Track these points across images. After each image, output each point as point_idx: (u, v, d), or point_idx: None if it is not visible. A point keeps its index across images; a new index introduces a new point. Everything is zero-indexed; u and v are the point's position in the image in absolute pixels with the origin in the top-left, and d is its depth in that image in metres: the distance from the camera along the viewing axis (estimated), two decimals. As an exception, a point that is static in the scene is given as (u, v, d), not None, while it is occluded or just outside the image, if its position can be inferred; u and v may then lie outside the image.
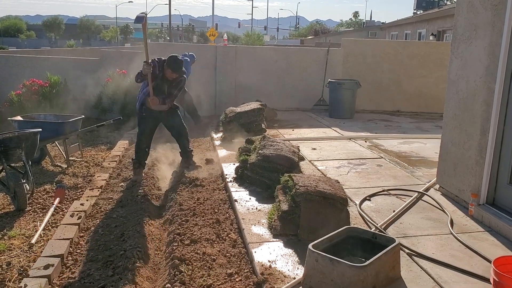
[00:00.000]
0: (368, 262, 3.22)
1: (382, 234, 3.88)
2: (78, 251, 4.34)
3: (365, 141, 8.22)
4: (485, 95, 4.58)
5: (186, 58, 9.46)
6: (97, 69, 10.73)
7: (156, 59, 6.09)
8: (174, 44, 14.71)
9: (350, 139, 8.42)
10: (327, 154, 7.26)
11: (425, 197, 5.26)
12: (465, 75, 4.92)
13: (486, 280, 3.42)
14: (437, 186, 5.56)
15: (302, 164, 6.37)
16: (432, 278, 3.53)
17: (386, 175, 6.11)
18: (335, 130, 9.24)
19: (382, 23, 43.33)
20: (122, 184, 6.22)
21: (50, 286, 3.67)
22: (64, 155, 7.19)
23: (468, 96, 4.88)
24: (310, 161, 6.80)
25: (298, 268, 3.73)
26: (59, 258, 3.98)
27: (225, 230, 4.63)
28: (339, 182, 4.88)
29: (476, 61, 4.72)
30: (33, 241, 4.38)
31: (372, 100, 12.00)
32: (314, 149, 7.56)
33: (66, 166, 7.04)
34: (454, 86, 5.16)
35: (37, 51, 15.37)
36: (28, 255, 4.16)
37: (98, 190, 5.89)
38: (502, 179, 4.53)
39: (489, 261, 3.61)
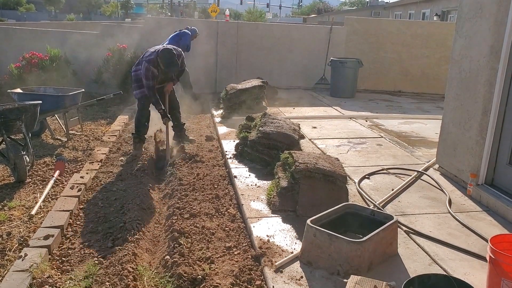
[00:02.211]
0: (365, 238, 3.25)
1: (380, 211, 3.91)
2: (78, 222, 4.37)
3: (366, 121, 8.21)
4: (488, 75, 4.55)
5: (188, 32, 9.35)
6: (97, 43, 10.63)
7: (150, 65, 5.96)
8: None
9: (350, 118, 8.40)
10: (327, 132, 7.26)
11: (424, 177, 5.27)
12: (469, 54, 4.88)
13: (482, 258, 3.46)
14: (436, 166, 5.57)
15: (302, 142, 6.37)
16: (429, 255, 3.57)
17: (385, 154, 6.11)
18: (336, 109, 9.22)
19: (386, 2, 42.82)
20: (122, 158, 6.22)
21: (50, 256, 3.71)
22: (64, 128, 7.17)
23: (471, 76, 4.85)
24: (310, 139, 6.80)
25: (296, 243, 3.76)
26: (59, 229, 4.00)
27: (224, 205, 4.66)
28: (338, 160, 4.88)
29: (481, 40, 4.67)
30: (33, 212, 4.40)
31: (373, 80, 11.94)
32: (315, 127, 7.55)
33: (66, 139, 7.03)
34: (457, 66, 5.12)
35: (36, 24, 15.20)
36: (28, 225, 4.19)
37: (98, 164, 5.90)
38: (501, 159, 4.53)
39: (486, 240, 3.64)
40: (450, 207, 4.43)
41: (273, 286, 3.19)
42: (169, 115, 6.37)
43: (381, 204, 4.45)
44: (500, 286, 2.72)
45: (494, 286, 2.77)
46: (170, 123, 6.77)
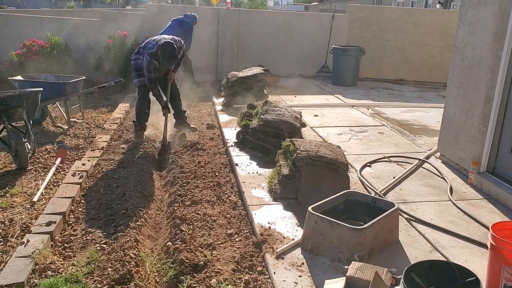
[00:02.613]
0: (367, 225, 3.25)
1: (382, 198, 3.91)
2: (80, 209, 4.39)
3: (368, 109, 8.19)
4: (491, 63, 4.52)
5: (188, 21, 9.29)
6: (98, 31, 10.58)
7: (152, 58, 5.93)
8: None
9: (352, 106, 8.38)
10: (329, 121, 7.24)
11: (425, 165, 5.27)
12: (472, 42, 4.85)
13: (483, 245, 3.47)
14: (438, 154, 5.57)
15: (304, 131, 6.36)
16: (430, 243, 3.58)
17: (387, 143, 6.11)
18: (337, 97, 9.19)
19: (389, -10, 42.40)
20: (123, 146, 6.22)
21: (52, 242, 3.72)
22: (65, 116, 7.17)
23: (473, 63, 4.82)
24: (311, 127, 6.79)
25: (297, 230, 3.77)
26: (61, 216, 4.02)
27: (225, 192, 4.67)
28: (340, 148, 4.88)
29: (484, 27, 4.63)
30: (35, 199, 4.41)
31: (375, 68, 11.88)
32: (316, 115, 7.53)
33: (67, 127, 7.03)
34: (459, 54, 5.09)
35: (37, 11, 15.10)
36: (30, 212, 4.20)
37: (100, 151, 5.90)
38: (503, 147, 4.52)
39: (487, 228, 3.65)
40: (451, 195, 4.43)
41: (274, 272, 3.20)
42: (169, 106, 6.35)
43: (382, 192, 4.45)
44: (501, 273, 2.73)
45: (495, 272, 2.78)
46: (171, 112, 6.76)
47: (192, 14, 9.62)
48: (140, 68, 6.05)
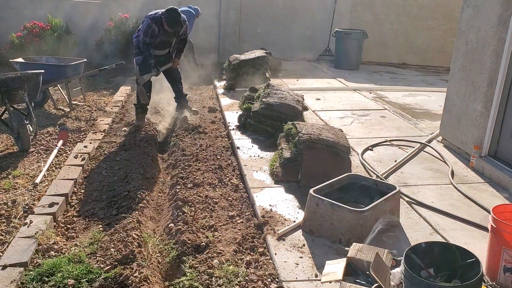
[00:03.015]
0: (368, 207, 3.27)
1: (383, 181, 3.92)
2: (82, 191, 4.41)
3: (370, 93, 8.15)
4: (495, 46, 4.48)
5: (191, 10, 9.19)
6: (98, 12, 10.49)
7: (153, 22, 5.85)
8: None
9: (354, 90, 8.35)
10: (331, 104, 7.22)
11: (427, 148, 5.27)
12: (476, 25, 4.80)
13: (483, 228, 3.49)
14: (439, 138, 5.56)
15: (306, 114, 6.35)
16: (430, 225, 3.60)
17: (389, 126, 6.10)
18: (340, 81, 9.15)
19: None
20: (125, 128, 6.22)
21: (55, 223, 3.75)
22: (67, 98, 7.15)
23: (477, 46, 4.78)
24: (313, 111, 6.77)
25: (298, 212, 3.79)
26: (64, 197, 4.04)
27: (227, 175, 4.68)
28: (342, 131, 4.87)
29: (489, 10, 4.58)
30: (37, 180, 4.43)
31: (378, 52, 11.80)
32: (318, 99, 7.51)
33: (68, 109, 7.02)
34: (463, 37, 5.05)
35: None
36: (32, 194, 4.22)
37: (101, 134, 5.91)
38: (505, 131, 4.51)
39: (487, 211, 3.66)
40: (452, 178, 4.44)
41: (275, 253, 3.23)
42: (159, 68, 6.25)
43: (384, 175, 4.46)
44: (501, 255, 2.75)
45: (495, 254, 2.80)
46: (172, 94, 6.75)
47: (195, 7, 9.49)
48: (140, 45, 6.02)
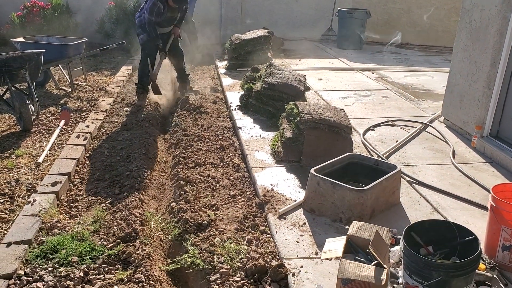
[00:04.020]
0: (368, 186, 3.28)
1: (384, 161, 3.92)
2: (85, 170, 4.43)
3: (372, 73, 8.11)
4: (499, 25, 4.44)
5: None
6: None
7: (158, 1, 5.77)
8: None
9: (357, 70, 8.30)
10: (333, 84, 7.19)
11: (429, 129, 5.26)
12: (480, 3, 4.74)
13: (483, 207, 3.51)
14: (441, 118, 5.55)
15: (308, 94, 6.33)
16: (431, 205, 3.62)
17: (391, 107, 6.08)
18: (342, 61, 9.08)
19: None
20: (126, 108, 6.22)
21: (58, 202, 3.78)
22: (68, 78, 7.14)
23: (481, 26, 4.73)
24: (315, 91, 6.75)
25: (299, 192, 3.81)
26: (66, 176, 4.07)
27: (228, 155, 4.69)
28: (344, 111, 4.86)
29: (493, -12, 4.52)
30: (40, 160, 4.46)
31: (381, 32, 11.67)
32: (320, 79, 7.47)
33: (70, 89, 7.02)
34: (467, 16, 4.99)
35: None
36: (35, 173, 4.25)
37: (103, 114, 5.91)
38: (508, 111, 4.50)
39: (488, 190, 3.67)
40: (453, 158, 4.44)
41: (276, 232, 3.26)
42: (167, 51, 6.28)
43: (385, 155, 4.47)
44: (500, 233, 2.77)
45: (494, 233, 2.82)
46: (174, 74, 6.73)
47: None
48: (143, 25, 5.99)
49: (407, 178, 4.03)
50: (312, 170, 3.51)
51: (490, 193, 2.87)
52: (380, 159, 4.11)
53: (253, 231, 3.34)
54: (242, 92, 6.29)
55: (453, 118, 5.25)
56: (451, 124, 5.30)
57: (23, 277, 2.81)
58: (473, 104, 4.84)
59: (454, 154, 4.55)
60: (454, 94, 5.22)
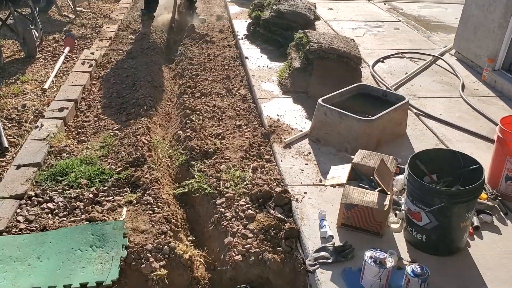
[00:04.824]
0: (376, 116, 3.27)
1: (392, 92, 3.88)
2: (91, 97, 4.42)
3: (384, 4, 7.83)
4: (521, -49, 4.21)
5: None
6: None
7: None
8: None
9: (368, 0, 8.00)
10: (343, 14, 6.97)
11: (439, 62, 5.16)
12: None
13: (489, 140, 3.50)
14: (453, 51, 5.41)
15: (317, 24, 6.15)
16: (437, 136, 3.62)
17: (402, 39, 5.92)
18: (353, -9, 8.73)
19: None
20: (131, 36, 6.09)
21: (65, 128, 3.81)
22: (71, 5, 6.94)
23: (502, -48, 4.49)
24: (325, 21, 6.56)
25: (305, 123, 3.81)
26: (73, 103, 4.07)
27: (235, 86, 4.65)
28: (354, 41, 4.74)
29: None
30: (45, 86, 4.43)
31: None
32: (331, 9, 7.24)
33: (73, 16, 6.84)
34: None
35: None
36: (42, 99, 4.25)
37: (107, 41, 5.80)
38: (523, 44, 4.38)
39: (495, 123, 3.66)
40: (462, 91, 4.39)
41: (281, 160, 3.29)
42: None
43: (393, 87, 4.41)
44: (504, 164, 2.78)
45: (498, 164, 2.84)
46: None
47: None
48: None
49: (415, 110, 4.00)
50: (319, 100, 3.48)
51: (497, 125, 2.85)
52: (388, 90, 4.06)
53: (258, 160, 3.38)
54: (249, 21, 6.12)
55: (465, 51, 5.13)
56: (462, 57, 5.18)
57: (33, 197, 2.89)
58: (487, 36, 4.70)
59: (463, 87, 4.49)
60: (468, 26, 5.06)
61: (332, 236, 2.52)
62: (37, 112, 3.97)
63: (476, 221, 2.60)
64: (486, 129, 3.71)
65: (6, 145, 3.41)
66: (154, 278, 2.36)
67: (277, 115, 3.94)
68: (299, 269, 2.46)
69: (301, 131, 3.67)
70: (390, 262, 2.14)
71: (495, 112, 3.99)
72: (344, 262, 2.37)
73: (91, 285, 2.25)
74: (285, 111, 4.02)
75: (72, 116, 4.00)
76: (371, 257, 2.15)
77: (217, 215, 2.86)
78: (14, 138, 3.58)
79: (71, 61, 5.17)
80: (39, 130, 3.59)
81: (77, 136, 3.71)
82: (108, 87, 4.60)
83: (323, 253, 2.41)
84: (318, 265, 2.35)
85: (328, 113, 3.39)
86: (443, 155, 2.62)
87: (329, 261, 2.36)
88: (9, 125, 3.77)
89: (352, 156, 3.02)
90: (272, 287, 2.51)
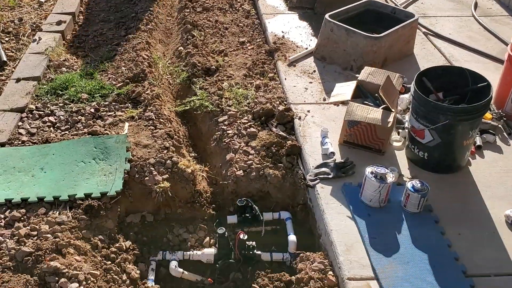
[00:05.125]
0: (383, 33, 3.16)
1: (402, 9, 3.72)
2: (89, 11, 4.27)
3: None
4: None
5: None
6: None
7: None
8: None
9: None
10: None
11: (453, -21, 4.90)
12: None
13: (499, 61, 3.40)
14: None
15: None
16: (444, 56, 3.52)
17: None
18: None
19: None
20: None
21: (64, 42, 3.71)
22: None
23: None
24: None
25: (311, 40, 3.70)
26: (71, 16, 3.94)
27: (238, 0, 4.47)
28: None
29: None
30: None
31: None
32: None
33: None
34: None
35: None
36: (39, 12, 4.10)
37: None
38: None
39: (506, 44, 3.55)
40: (475, 10, 4.21)
41: (285, 78, 3.24)
42: None
43: (403, 5, 4.22)
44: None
45: (506, 84, 2.78)
46: None
47: None
48: None
49: (423, 30, 3.87)
50: (326, 16, 3.36)
51: (508, 44, 2.76)
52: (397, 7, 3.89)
53: (261, 78, 3.31)
54: None
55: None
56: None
57: (34, 111, 2.88)
58: (506, -50, 4.43)
59: (476, 6, 4.30)
60: None
61: (333, 153, 2.53)
62: (34, 25, 3.85)
63: (479, 141, 2.59)
64: (496, 50, 3.60)
65: (5, 58, 3.35)
66: (158, 190, 2.40)
67: (282, 32, 3.82)
68: (299, 184, 2.50)
69: (306, 48, 3.58)
70: (390, 178, 2.16)
71: (508, 32, 3.85)
72: (344, 178, 2.40)
73: (95, 196, 2.29)
74: (290, 27, 3.90)
75: (70, 30, 3.88)
76: (372, 172, 2.17)
77: (219, 133, 2.86)
78: (12, 52, 3.51)
79: (67, -27, 4.93)
80: (37, 43, 3.50)
81: (76, 51, 3.63)
82: (106, 1, 4.43)
83: (323, 169, 2.43)
84: (318, 180, 2.38)
85: (334, 29, 3.28)
86: (451, 72, 2.56)
87: (330, 176, 2.39)
88: (6, 39, 3.67)
89: (357, 75, 2.96)
90: (273, 201, 2.56)
